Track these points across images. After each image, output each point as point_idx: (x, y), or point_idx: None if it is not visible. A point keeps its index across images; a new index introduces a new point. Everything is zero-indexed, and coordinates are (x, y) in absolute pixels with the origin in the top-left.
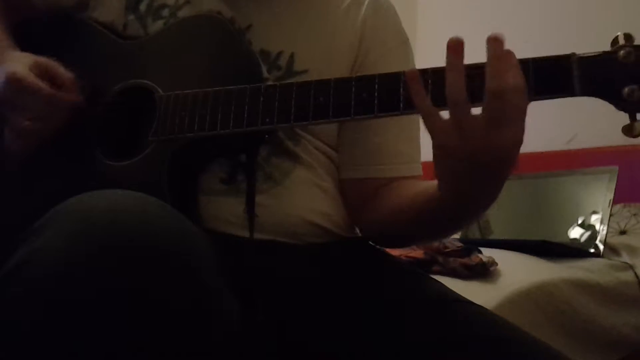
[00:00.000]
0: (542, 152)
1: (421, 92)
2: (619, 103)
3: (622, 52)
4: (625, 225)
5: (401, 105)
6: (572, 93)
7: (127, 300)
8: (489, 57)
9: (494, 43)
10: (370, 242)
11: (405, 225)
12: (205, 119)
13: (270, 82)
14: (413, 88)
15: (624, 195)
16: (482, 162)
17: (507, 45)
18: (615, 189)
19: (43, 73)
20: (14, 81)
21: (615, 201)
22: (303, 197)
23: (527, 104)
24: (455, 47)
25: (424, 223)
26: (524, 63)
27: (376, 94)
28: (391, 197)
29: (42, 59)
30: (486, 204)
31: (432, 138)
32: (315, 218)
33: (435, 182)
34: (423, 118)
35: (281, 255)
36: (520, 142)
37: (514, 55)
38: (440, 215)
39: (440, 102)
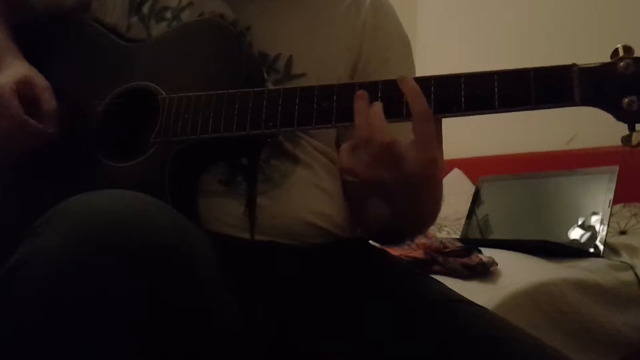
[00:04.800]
0: (542, 152)
1: (364, 107)
2: (619, 113)
3: (621, 63)
4: (625, 225)
5: (404, 111)
6: (572, 102)
7: (127, 299)
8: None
9: (358, 100)
10: (370, 242)
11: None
12: (208, 122)
13: (269, 85)
14: (356, 104)
15: (624, 195)
16: (395, 187)
17: (510, 48)
18: (615, 189)
19: (28, 92)
20: None
21: (615, 201)
22: (302, 198)
23: (434, 128)
24: (362, 95)
25: (382, 227)
26: (526, 72)
27: (379, 100)
28: None
29: (34, 78)
30: (425, 214)
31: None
32: (314, 219)
33: None
34: None
35: (281, 257)
36: (433, 161)
37: (413, 82)
38: (389, 223)
39: (389, 114)
